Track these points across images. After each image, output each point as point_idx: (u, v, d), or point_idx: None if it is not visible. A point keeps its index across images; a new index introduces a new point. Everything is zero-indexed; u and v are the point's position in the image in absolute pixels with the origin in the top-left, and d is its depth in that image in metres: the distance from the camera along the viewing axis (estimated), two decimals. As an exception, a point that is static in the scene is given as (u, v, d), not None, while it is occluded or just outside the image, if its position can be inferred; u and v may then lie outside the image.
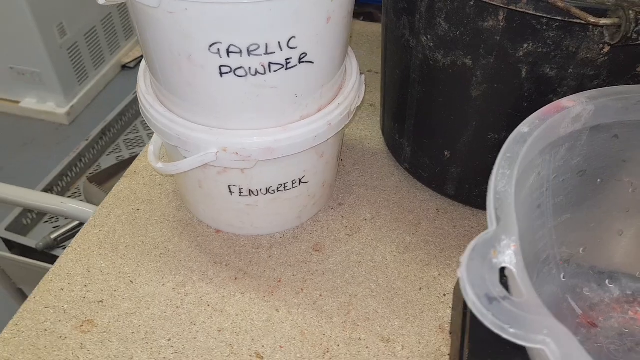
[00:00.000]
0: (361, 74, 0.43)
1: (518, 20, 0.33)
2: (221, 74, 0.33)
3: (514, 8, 0.31)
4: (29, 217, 0.91)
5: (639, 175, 0.35)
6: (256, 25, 0.31)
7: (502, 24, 0.34)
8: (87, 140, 1.04)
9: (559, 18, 0.31)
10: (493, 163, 0.26)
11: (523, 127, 0.28)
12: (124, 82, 1.55)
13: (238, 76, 0.34)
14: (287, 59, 0.34)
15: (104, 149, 1.08)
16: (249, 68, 0.33)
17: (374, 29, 0.71)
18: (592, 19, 0.29)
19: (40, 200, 0.65)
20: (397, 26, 0.42)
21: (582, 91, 0.31)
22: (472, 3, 0.34)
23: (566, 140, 0.31)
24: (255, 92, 0.35)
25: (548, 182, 0.32)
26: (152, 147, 0.44)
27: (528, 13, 0.32)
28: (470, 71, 0.37)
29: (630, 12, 0.28)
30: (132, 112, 1.17)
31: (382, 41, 0.48)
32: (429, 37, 0.38)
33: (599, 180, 0.34)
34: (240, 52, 0.32)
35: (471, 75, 0.37)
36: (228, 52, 0.32)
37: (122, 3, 0.35)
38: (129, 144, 1.11)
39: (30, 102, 1.43)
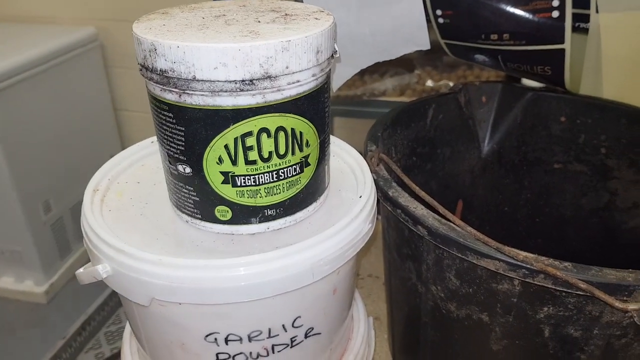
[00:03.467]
0: (368, 316, 0.40)
1: (536, 287, 0.31)
2: (219, 361, 0.30)
3: (531, 281, 0.30)
4: None
5: None
6: (257, 315, 0.29)
7: (518, 288, 0.32)
8: (64, 338, 0.97)
9: (580, 293, 0.29)
10: None
11: None
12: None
13: (238, 361, 0.30)
14: (292, 338, 0.31)
15: (82, 346, 1.00)
16: (250, 353, 0.30)
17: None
18: (618, 304, 0.27)
19: None
20: (402, 267, 0.40)
21: (610, 348, 0.28)
22: (483, 267, 0.32)
23: None
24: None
25: None
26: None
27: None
28: (488, 326, 0.35)
29: (659, 298, 0.26)
30: (116, 299, 1.11)
31: (384, 270, 0.46)
32: (438, 287, 0.36)
33: None
34: (240, 339, 0.29)
35: (489, 331, 0.35)
36: (226, 341, 0.29)
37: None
38: (110, 338, 1.04)
39: (6, 282, 1.37)
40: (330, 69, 0.28)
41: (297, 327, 0.30)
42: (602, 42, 0.49)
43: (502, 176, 0.56)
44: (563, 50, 0.49)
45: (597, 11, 0.48)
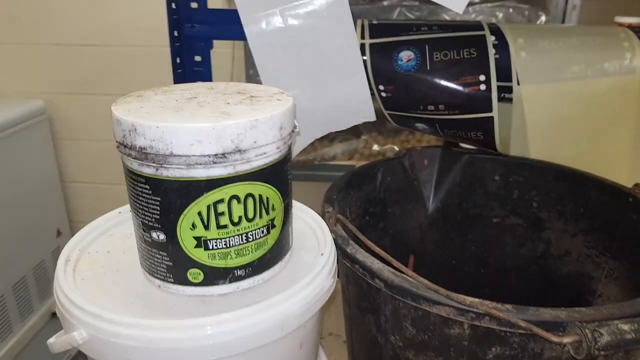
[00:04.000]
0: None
1: (483, 329, 0.34)
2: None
3: (479, 324, 0.33)
4: None
5: None
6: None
7: (467, 331, 0.35)
8: None
9: (522, 332, 0.33)
10: None
11: None
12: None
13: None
14: (263, 394, 0.32)
15: None
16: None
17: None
18: (555, 339, 0.31)
19: None
20: (362, 321, 0.43)
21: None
22: (438, 314, 0.35)
23: None
24: None
25: None
26: None
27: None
28: (443, 371, 0.37)
29: (587, 330, 0.30)
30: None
31: (345, 326, 0.48)
32: (397, 337, 0.39)
33: None
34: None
35: (445, 375, 0.37)
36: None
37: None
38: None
39: (-60, 369, 1.26)
40: (291, 142, 0.32)
41: (267, 383, 0.32)
42: (525, 110, 0.56)
43: (447, 231, 0.61)
44: (492, 117, 0.55)
45: (518, 83, 0.55)
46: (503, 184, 0.58)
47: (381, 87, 0.57)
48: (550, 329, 0.31)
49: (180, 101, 0.30)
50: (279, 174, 0.31)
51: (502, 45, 0.56)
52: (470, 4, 1.33)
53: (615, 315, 0.32)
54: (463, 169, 0.59)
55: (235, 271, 0.31)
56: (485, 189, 0.59)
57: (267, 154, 0.29)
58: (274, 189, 0.30)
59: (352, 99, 0.48)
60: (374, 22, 0.58)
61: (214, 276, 0.31)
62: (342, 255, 0.40)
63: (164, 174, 0.28)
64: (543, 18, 1.29)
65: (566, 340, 0.30)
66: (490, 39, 0.55)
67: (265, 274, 0.32)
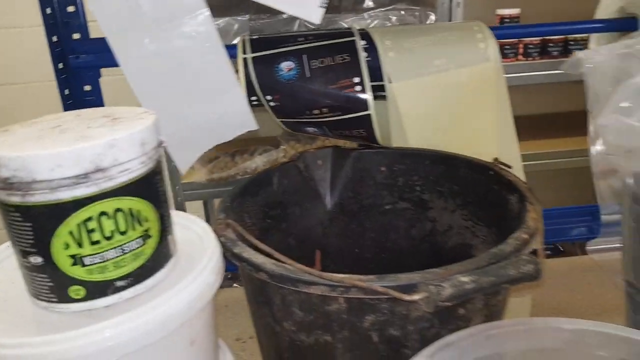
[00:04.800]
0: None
1: (355, 301, 0.39)
2: None
3: (350, 296, 0.37)
4: None
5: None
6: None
7: (344, 305, 0.39)
8: None
9: (387, 297, 0.37)
10: None
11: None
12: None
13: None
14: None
15: None
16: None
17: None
18: (406, 298, 0.35)
19: None
20: (261, 314, 0.46)
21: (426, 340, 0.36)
22: (317, 294, 0.39)
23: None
24: None
25: None
26: None
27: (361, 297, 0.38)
28: (332, 345, 0.41)
29: (431, 286, 0.35)
30: None
31: (253, 324, 0.51)
32: (289, 322, 0.43)
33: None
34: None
35: (334, 348, 0.41)
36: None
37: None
38: None
39: None
40: (159, 155, 0.35)
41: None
42: (399, 105, 0.62)
43: (347, 223, 0.66)
44: (369, 115, 0.60)
45: (390, 82, 0.61)
46: (389, 173, 0.63)
47: (268, 97, 0.61)
48: (405, 290, 0.36)
49: (44, 131, 0.33)
50: (148, 187, 0.34)
51: (372, 48, 0.61)
52: (364, 10, 1.41)
53: (461, 271, 0.37)
54: (353, 165, 0.64)
55: (116, 283, 0.33)
56: (375, 180, 0.64)
57: (130, 170, 0.32)
58: (143, 201, 0.33)
59: (231, 112, 0.52)
60: (255, 36, 0.62)
61: (95, 290, 0.33)
62: (231, 255, 0.43)
63: (30, 200, 0.30)
64: (433, 17, 1.39)
65: (416, 297, 0.35)
66: (361, 43, 0.61)
67: (148, 282, 0.35)
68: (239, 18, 1.32)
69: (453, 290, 0.35)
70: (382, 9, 1.38)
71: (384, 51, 0.61)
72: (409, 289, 0.36)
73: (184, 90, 0.48)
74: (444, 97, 0.62)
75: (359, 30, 0.62)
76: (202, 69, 0.48)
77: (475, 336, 0.37)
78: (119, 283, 0.33)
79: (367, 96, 0.60)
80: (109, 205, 0.31)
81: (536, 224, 0.43)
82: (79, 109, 0.58)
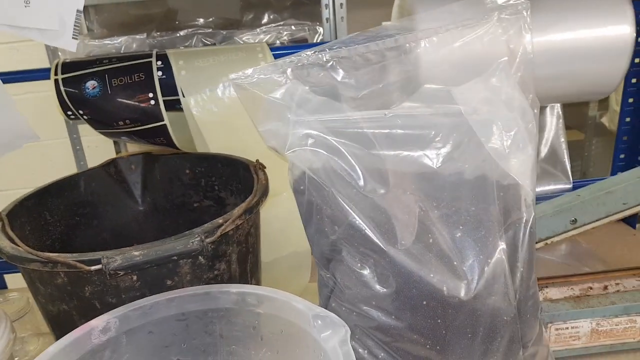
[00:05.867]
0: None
1: (71, 274, 0.48)
2: None
3: (64, 270, 0.47)
4: None
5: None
6: None
7: (65, 279, 0.48)
8: None
9: (96, 269, 0.46)
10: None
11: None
12: None
13: None
14: None
15: None
16: None
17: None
18: (86, 267, 0.45)
19: None
20: (32, 293, 0.55)
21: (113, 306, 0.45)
22: (45, 270, 0.49)
23: (105, 346, 0.44)
24: None
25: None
26: None
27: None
28: (69, 312, 0.51)
29: (105, 259, 0.45)
30: None
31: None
32: (40, 296, 0.52)
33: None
34: None
35: (71, 315, 0.51)
36: None
37: None
38: None
39: None
40: None
41: None
42: (195, 116, 0.72)
43: (162, 220, 0.75)
44: (165, 125, 0.70)
45: (183, 96, 0.71)
46: (193, 175, 0.73)
47: (81, 112, 0.71)
48: (90, 264, 0.45)
49: None
50: None
51: (167, 67, 0.71)
52: (258, 26, 1.51)
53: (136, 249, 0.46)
54: (161, 168, 0.74)
55: None
56: (182, 181, 0.74)
57: None
58: None
59: (12, 127, 0.62)
60: (67, 60, 0.72)
61: None
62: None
63: None
64: (321, 30, 1.50)
65: (94, 267, 0.45)
66: (156, 64, 0.71)
67: None
68: (137, 37, 1.42)
69: (122, 261, 0.45)
70: (274, 25, 1.49)
71: (177, 70, 0.71)
72: (95, 262, 0.46)
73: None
74: (232, 107, 0.72)
75: (158, 52, 0.72)
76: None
77: (159, 300, 0.47)
78: None
79: (161, 109, 0.70)
80: None
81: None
82: None
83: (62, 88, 0.69)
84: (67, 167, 1.61)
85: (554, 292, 0.56)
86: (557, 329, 0.55)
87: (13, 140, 0.62)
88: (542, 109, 0.84)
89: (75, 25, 0.56)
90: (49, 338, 0.76)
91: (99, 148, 1.72)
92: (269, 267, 0.71)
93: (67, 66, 0.71)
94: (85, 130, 1.55)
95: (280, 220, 0.70)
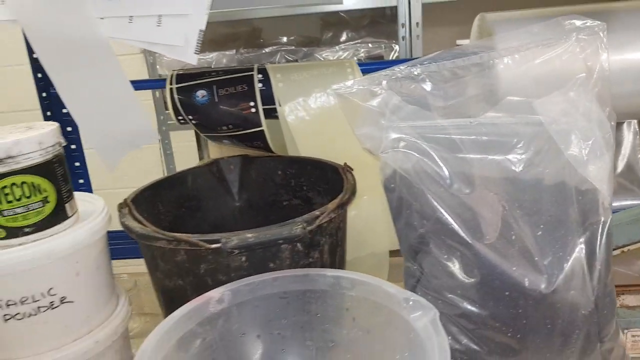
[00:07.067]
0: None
1: (190, 252, 0.56)
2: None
3: (184, 248, 0.55)
4: None
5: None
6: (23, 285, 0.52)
7: (184, 256, 0.57)
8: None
9: (211, 248, 0.54)
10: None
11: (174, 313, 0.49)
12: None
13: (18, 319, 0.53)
14: (50, 302, 0.54)
15: None
16: (24, 313, 0.53)
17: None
18: (207, 246, 0.53)
19: None
20: (155, 275, 0.64)
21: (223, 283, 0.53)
22: (168, 248, 0.57)
23: (219, 315, 0.52)
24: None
25: (216, 343, 0.52)
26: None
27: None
28: (183, 287, 0.59)
29: (224, 239, 0.52)
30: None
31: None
32: (160, 273, 0.61)
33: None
34: (16, 303, 0.52)
35: (185, 290, 0.59)
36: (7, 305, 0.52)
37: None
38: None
39: None
40: (57, 151, 0.55)
41: (52, 295, 0.53)
42: (289, 123, 0.79)
43: (254, 216, 0.83)
44: (263, 130, 0.79)
45: (279, 105, 0.79)
46: (284, 176, 0.81)
47: (190, 117, 0.80)
48: (211, 243, 0.53)
49: (-16, 133, 0.53)
50: (46, 169, 0.53)
51: (267, 80, 0.80)
52: (336, 43, 1.60)
53: (254, 232, 0.54)
54: (257, 169, 0.82)
55: (24, 229, 0.53)
56: (274, 181, 0.82)
57: (32, 158, 0.52)
58: (42, 178, 0.53)
59: (135, 128, 0.72)
60: (180, 72, 0.82)
61: (11, 233, 0.53)
62: (122, 225, 0.62)
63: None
64: (397, 47, 1.56)
65: (213, 246, 0.52)
66: (257, 77, 0.80)
67: (48, 231, 0.54)
68: (226, 53, 1.55)
69: (238, 241, 0.52)
70: (352, 42, 1.57)
71: (275, 82, 0.79)
72: (215, 241, 0.53)
73: (103, 111, 0.69)
74: (323, 115, 0.79)
75: (259, 66, 0.81)
76: (114, 96, 0.68)
77: (265, 279, 0.54)
78: (27, 229, 0.53)
79: (260, 116, 0.78)
80: (17, 179, 0.51)
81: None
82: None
83: (175, 96, 0.79)
84: (156, 170, 1.75)
85: (630, 299, 0.58)
86: (633, 336, 0.57)
87: (135, 139, 0.72)
88: (619, 125, 0.85)
89: (197, 43, 0.65)
90: (150, 317, 0.86)
91: (183, 154, 1.86)
92: (349, 265, 0.77)
93: (180, 77, 0.81)
94: (176, 137, 1.70)
95: (361, 220, 0.76)
